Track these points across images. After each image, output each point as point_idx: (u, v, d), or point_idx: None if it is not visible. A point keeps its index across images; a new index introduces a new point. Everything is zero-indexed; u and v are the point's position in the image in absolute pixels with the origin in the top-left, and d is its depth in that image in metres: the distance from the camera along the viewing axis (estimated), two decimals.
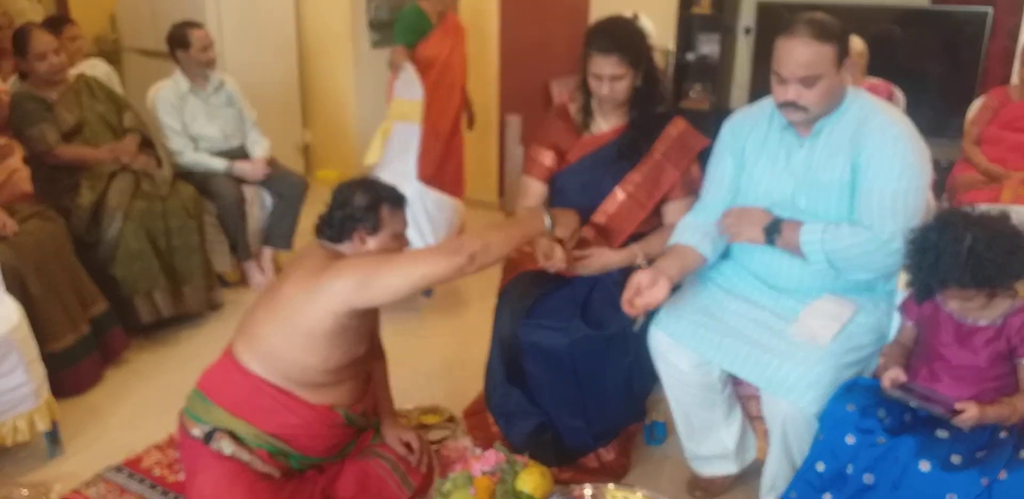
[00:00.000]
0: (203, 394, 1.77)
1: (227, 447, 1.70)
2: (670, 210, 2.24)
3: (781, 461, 1.90)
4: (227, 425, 1.72)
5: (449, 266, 1.65)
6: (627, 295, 1.84)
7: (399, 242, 1.81)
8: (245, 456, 1.70)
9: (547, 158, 2.27)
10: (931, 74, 3.86)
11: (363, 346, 1.79)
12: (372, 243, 1.76)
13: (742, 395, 2.09)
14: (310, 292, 1.66)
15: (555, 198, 2.30)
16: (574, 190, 2.24)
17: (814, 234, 1.82)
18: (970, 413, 1.58)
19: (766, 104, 1.99)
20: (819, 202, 1.87)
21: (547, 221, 1.89)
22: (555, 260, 2.08)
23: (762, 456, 2.05)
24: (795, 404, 1.77)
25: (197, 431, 1.72)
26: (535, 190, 2.30)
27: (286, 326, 1.69)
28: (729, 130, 2.06)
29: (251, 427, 1.72)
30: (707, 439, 2.09)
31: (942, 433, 1.63)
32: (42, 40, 3.00)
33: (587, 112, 2.24)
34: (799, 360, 1.79)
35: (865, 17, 3.99)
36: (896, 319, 1.87)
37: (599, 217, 2.22)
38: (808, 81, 1.76)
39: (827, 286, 1.92)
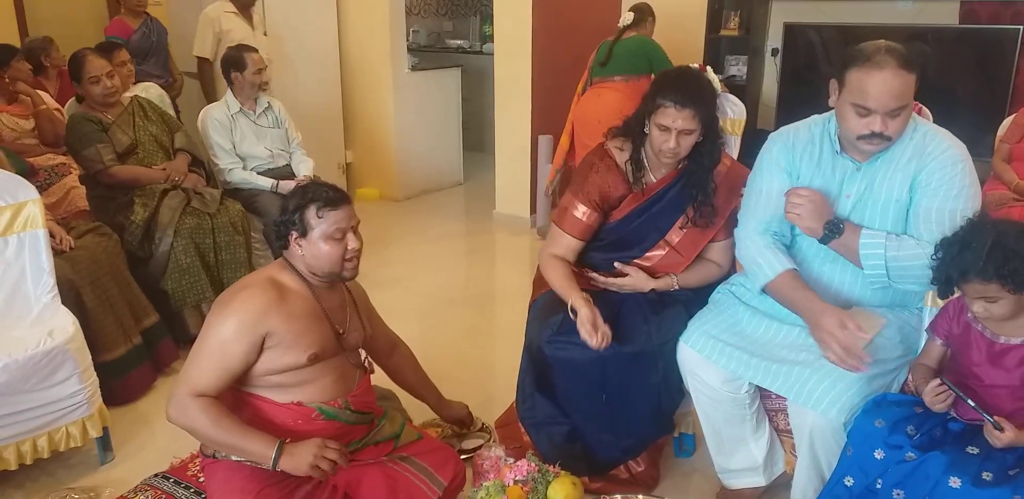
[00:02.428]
0: None
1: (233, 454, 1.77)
2: (710, 248, 2.23)
3: (810, 473, 1.90)
4: None
5: (169, 410, 1.70)
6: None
7: (336, 244, 1.76)
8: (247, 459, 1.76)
9: (588, 216, 2.17)
10: (961, 92, 3.85)
11: (299, 356, 1.75)
12: (308, 247, 1.76)
13: (770, 409, 2.10)
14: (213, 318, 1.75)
15: (598, 245, 2.25)
16: (618, 241, 2.22)
17: (875, 238, 1.80)
18: (1007, 435, 1.56)
19: (811, 127, 1.96)
20: (874, 221, 1.87)
21: (272, 458, 1.69)
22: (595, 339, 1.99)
23: (790, 470, 2.07)
24: (823, 415, 1.78)
25: (208, 450, 1.81)
26: (566, 244, 2.20)
27: None
28: (783, 149, 1.97)
29: None
30: (736, 453, 2.10)
31: (972, 449, 1.62)
32: (95, 64, 3.13)
33: (638, 166, 2.15)
34: (827, 372, 1.80)
35: (894, 36, 3.98)
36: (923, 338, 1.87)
37: (644, 259, 2.22)
38: (896, 112, 1.74)
39: (862, 300, 1.93)
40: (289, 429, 1.76)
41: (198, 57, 4.44)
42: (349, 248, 1.78)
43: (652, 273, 2.21)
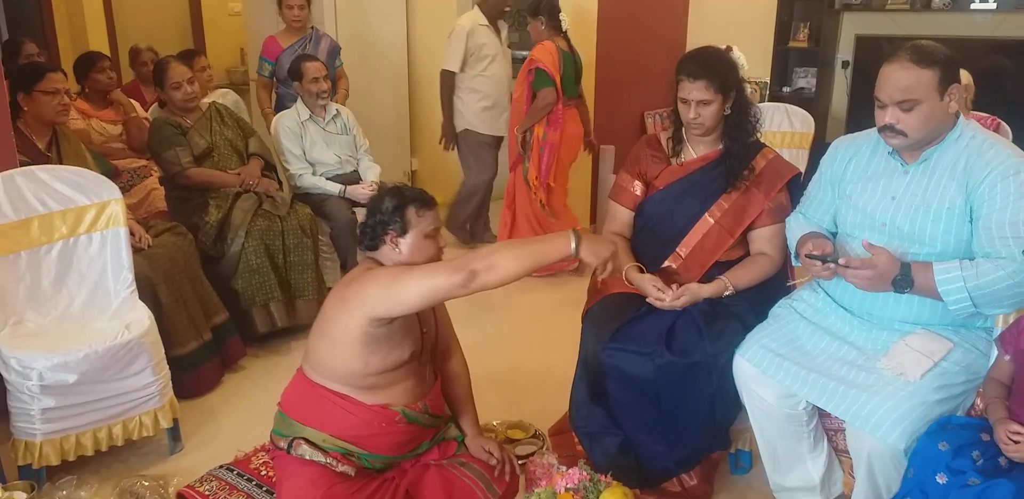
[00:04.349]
0: (282, 411, 1.89)
1: (306, 452, 1.80)
2: (756, 238, 2.25)
3: (868, 496, 1.86)
4: (303, 434, 1.82)
5: (450, 282, 1.62)
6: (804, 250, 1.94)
7: (432, 242, 1.82)
8: (321, 458, 1.79)
9: (635, 187, 2.34)
10: None
11: (406, 350, 1.81)
12: (404, 245, 1.79)
13: (829, 428, 2.06)
14: (340, 302, 1.74)
15: (642, 224, 2.34)
16: (660, 216, 2.29)
17: (951, 271, 1.75)
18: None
19: (874, 130, 1.98)
20: (926, 228, 1.85)
21: (573, 245, 1.68)
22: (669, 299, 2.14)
23: (848, 491, 2.02)
24: (882, 440, 1.74)
25: (282, 443, 1.85)
26: (622, 217, 2.36)
27: (326, 336, 1.78)
28: (831, 154, 2.08)
29: (320, 433, 1.81)
30: (792, 471, 2.07)
31: None
32: (177, 71, 3.28)
33: (677, 140, 2.29)
34: (887, 395, 1.76)
35: (972, 49, 3.89)
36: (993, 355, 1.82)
37: (685, 245, 2.25)
38: (906, 105, 1.78)
39: (922, 317, 1.89)
40: (371, 431, 1.81)
41: (444, 70, 4.21)
42: (440, 246, 1.86)
43: (698, 263, 2.24)
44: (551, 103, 3.78)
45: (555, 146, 3.86)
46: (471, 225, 4.56)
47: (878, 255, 1.81)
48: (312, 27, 4.24)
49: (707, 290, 2.17)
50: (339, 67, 4.23)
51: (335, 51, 4.26)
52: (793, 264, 2.22)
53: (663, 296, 2.15)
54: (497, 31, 4.17)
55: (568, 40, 3.87)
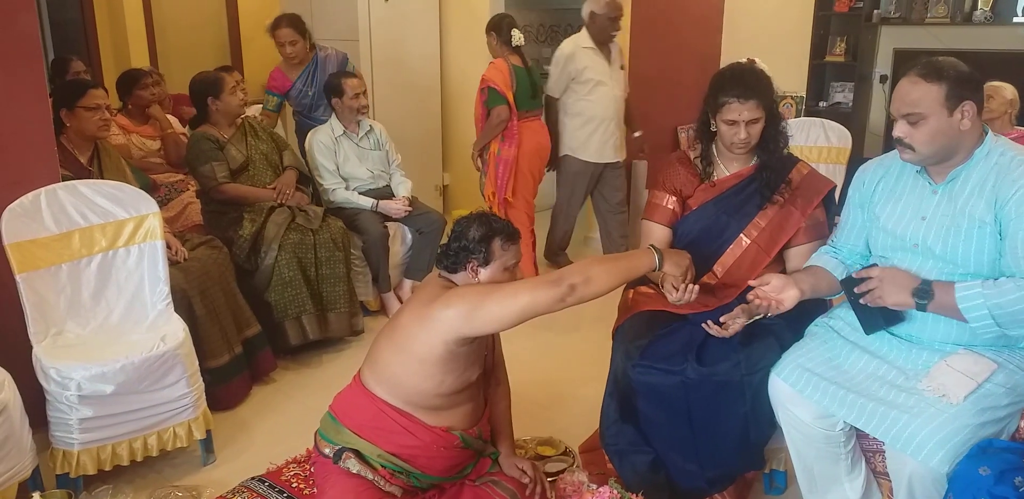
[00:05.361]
0: (334, 416, 1.88)
1: (353, 466, 1.79)
2: (793, 256, 2.22)
3: None
4: (354, 445, 1.81)
5: (548, 296, 1.66)
6: (755, 283, 1.95)
7: (510, 274, 1.84)
8: (369, 475, 1.79)
9: (671, 202, 2.30)
10: None
11: (476, 371, 1.83)
12: (483, 274, 1.81)
13: (867, 449, 2.02)
14: (422, 320, 1.74)
15: (677, 245, 2.31)
16: (696, 236, 2.26)
17: (972, 289, 1.72)
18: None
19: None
20: (958, 248, 1.82)
21: (656, 259, 1.85)
22: (681, 293, 2.02)
23: None
24: (924, 463, 1.69)
25: (328, 450, 1.84)
26: (658, 234, 2.31)
27: (402, 353, 1.78)
28: (858, 179, 2.07)
29: (375, 447, 1.80)
30: (829, 493, 2.03)
31: None
32: (233, 76, 3.43)
33: (708, 161, 2.27)
34: (929, 417, 1.71)
35: (1014, 64, 3.82)
36: None
37: (721, 264, 2.22)
38: (911, 118, 1.78)
39: (963, 337, 1.84)
40: (428, 453, 1.81)
41: (546, 95, 4.14)
42: (517, 279, 1.87)
43: (736, 282, 2.19)
44: (504, 120, 3.81)
45: (510, 162, 3.88)
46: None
47: (877, 268, 1.85)
48: (315, 48, 4.09)
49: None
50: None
51: (344, 63, 4.19)
52: None
53: (672, 291, 2.00)
54: (606, 53, 4.02)
55: (522, 55, 3.92)
